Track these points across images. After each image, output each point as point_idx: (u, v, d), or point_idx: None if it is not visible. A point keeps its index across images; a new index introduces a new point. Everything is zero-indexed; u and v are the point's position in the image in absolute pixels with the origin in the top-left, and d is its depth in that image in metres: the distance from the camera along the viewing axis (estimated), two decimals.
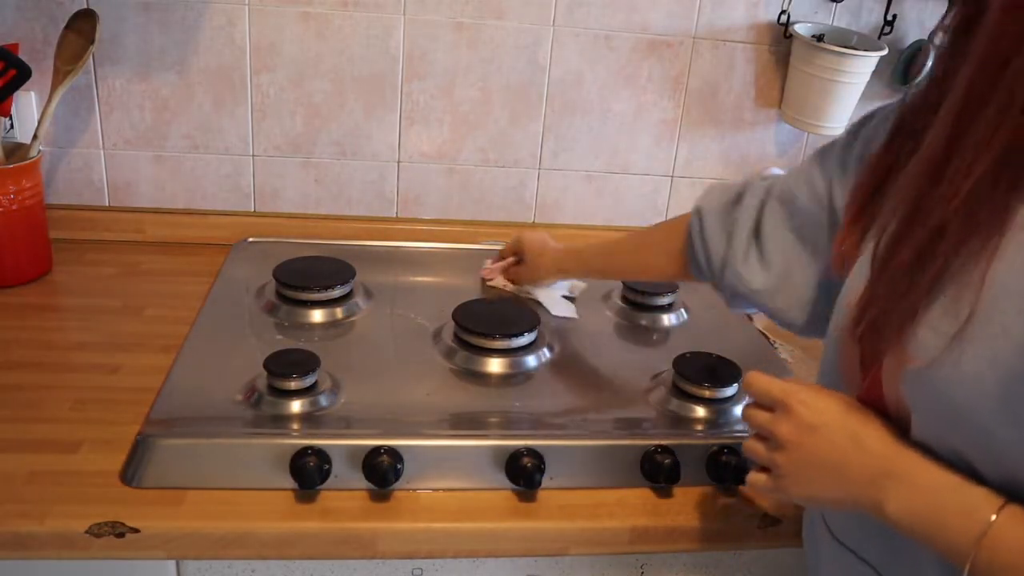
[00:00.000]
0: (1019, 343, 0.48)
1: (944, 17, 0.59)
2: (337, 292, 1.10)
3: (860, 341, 0.60)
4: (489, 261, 1.21)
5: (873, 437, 0.58)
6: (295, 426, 0.86)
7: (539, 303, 1.14)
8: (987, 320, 0.50)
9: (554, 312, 1.12)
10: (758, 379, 0.64)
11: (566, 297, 1.17)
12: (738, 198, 0.86)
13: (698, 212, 0.89)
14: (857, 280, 0.62)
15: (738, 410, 0.95)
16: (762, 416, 0.64)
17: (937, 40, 0.60)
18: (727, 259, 0.85)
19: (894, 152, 0.64)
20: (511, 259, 1.17)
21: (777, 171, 0.98)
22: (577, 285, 1.18)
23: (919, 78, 1.25)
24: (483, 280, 1.21)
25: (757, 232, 0.83)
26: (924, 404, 0.55)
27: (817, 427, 0.60)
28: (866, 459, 0.57)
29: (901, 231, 0.56)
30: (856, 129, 0.77)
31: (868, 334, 0.58)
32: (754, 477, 0.66)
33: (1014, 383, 0.48)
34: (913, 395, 0.55)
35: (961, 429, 0.52)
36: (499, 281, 1.20)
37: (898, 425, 0.58)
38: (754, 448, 0.65)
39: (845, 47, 1.22)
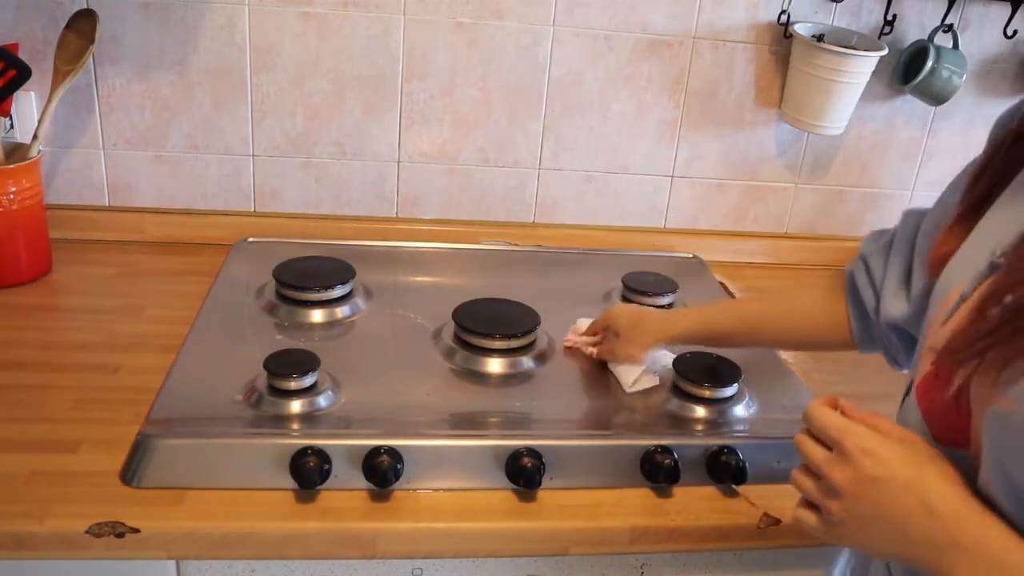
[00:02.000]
0: None
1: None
2: (337, 292, 1.10)
3: (953, 364, 0.54)
4: (572, 332, 1.08)
5: (941, 497, 0.52)
6: (295, 426, 0.86)
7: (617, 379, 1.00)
8: None
9: (629, 389, 0.98)
10: (818, 413, 0.57)
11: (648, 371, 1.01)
12: (890, 243, 0.81)
13: (863, 258, 0.83)
14: (959, 273, 0.59)
15: (739, 410, 0.95)
16: (817, 453, 0.58)
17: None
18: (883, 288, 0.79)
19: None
20: (598, 337, 1.04)
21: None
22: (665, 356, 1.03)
23: (919, 78, 1.25)
24: (566, 348, 1.06)
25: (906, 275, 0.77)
26: (1004, 448, 0.50)
27: (879, 480, 0.54)
28: (932, 523, 0.52)
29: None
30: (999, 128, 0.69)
31: (964, 363, 0.53)
32: (803, 515, 0.60)
33: None
34: (994, 436, 0.51)
35: None
36: (582, 346, 1.06)
37: (965, 461, 0.54)
38: (803, 484, 0.59)
39: (845, 47, 1.22)
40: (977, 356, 0.51)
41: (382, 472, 0.79)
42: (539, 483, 0.81)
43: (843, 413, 0.58)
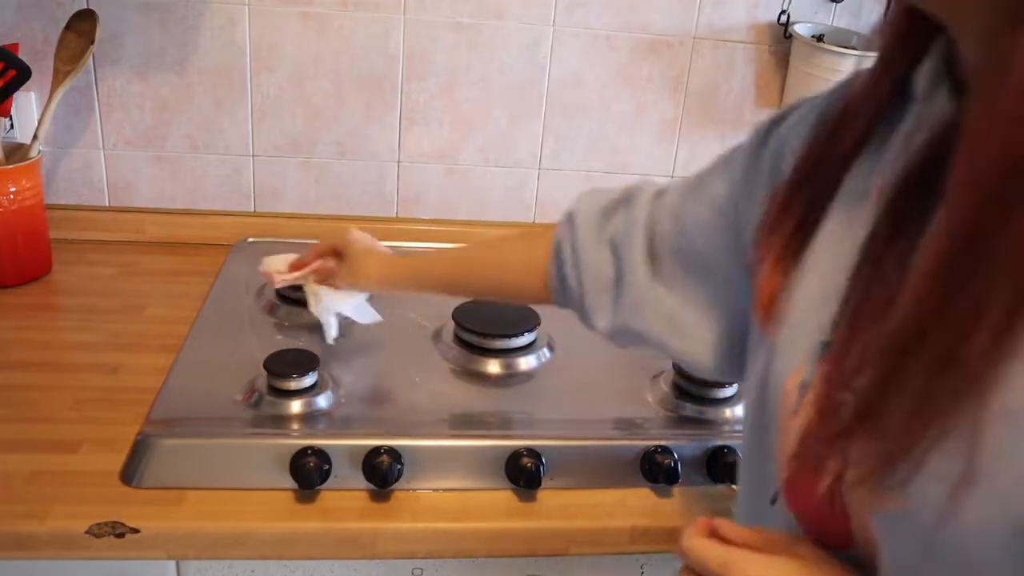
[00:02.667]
0: None
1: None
2: None
3: (812, 469, 0.47)
4: (271, 270, 0.98)
5: None
6: (295, 426, 0.86)
7: (336, 312, 0.97)
8: (998, 460, 0.39)
9: (360, 320, 0.98)
10: (696, 548, 0.50)
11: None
12: (620, 206, 0.73)
13: (570, 219, 0.75)
14: (792, 351, 0.51)
15: (739, 410, 0.95)
16: None
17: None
18: (617, 280, 0.71)
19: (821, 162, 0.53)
20: (320, 261, 0.97)
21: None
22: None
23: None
24: (268, 278, 0.98)
25: (651, 252, 0.70)
26: (903, 545, 0.45)
27: None
28: None
29: (893, 364, 0.41)
30: (765, 133, 0.63)
31: (823, 466, 0.45)
32: None
33: None
34: (889, 534, 0.45)
35: (946, 573, 0.43)
36: (289, 276, 0.97)
37: (858, 560, 0.48)
38: None
39: (845, 47, 1.22)
40: (838, 456, 0.44)
41: (382, 472, 0.79)
42: (539, 483, 0.81)
43: (721, 538, 0.50)
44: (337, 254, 0.95)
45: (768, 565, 0.47)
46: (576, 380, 1.01)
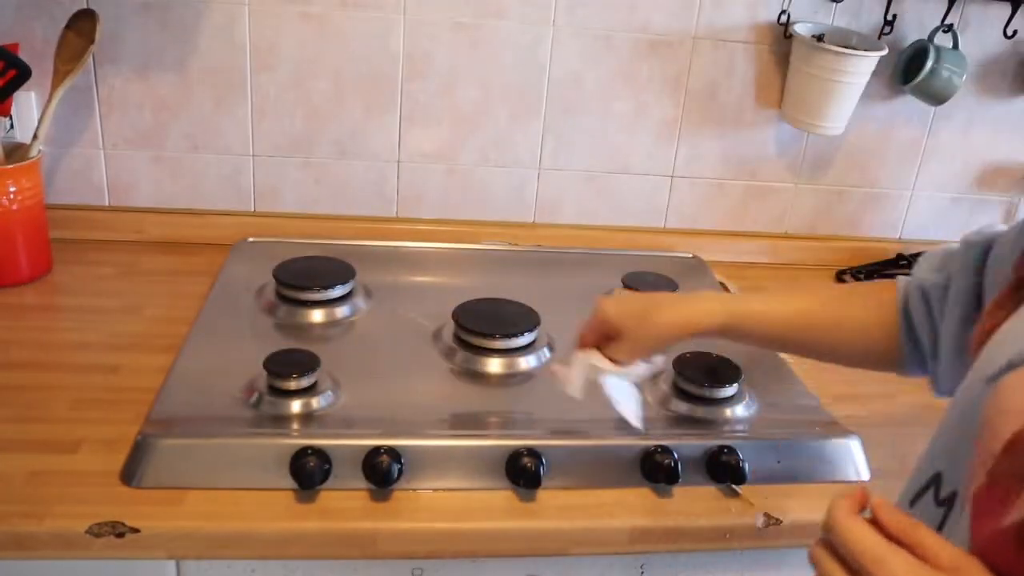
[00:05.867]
0: None
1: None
2: (337, 292, 1.10)
3: (1016, 481, 0.41)
4: (556, 363, 0.88)
5: None
6: (295, 426, 0.86)
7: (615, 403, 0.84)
8: None
9: (632, 421, 0.84)
10: (847, 527, 0.43)
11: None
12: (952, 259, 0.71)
13: (921, 288, 0.73)
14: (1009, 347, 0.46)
15: (739, 410, 0.95)
16: None
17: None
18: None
19: None
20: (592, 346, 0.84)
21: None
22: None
23: (919, 78, 1.25)
24: (555, 376, 0.87)
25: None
26: None
27: None
28: None
29: None
30: None
31: None
32: None
33: None
34: None
35: None
36: (582, 369, 0.83)
37: None
38: None
39: (845, 47, 1.22)
40: None
41: (382, 472, 0.79)
42: (539, 483, 0.81)
43: (875, 521, 0.44)
44: (607, 337, 0.82)
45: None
46: None
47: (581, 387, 0.81)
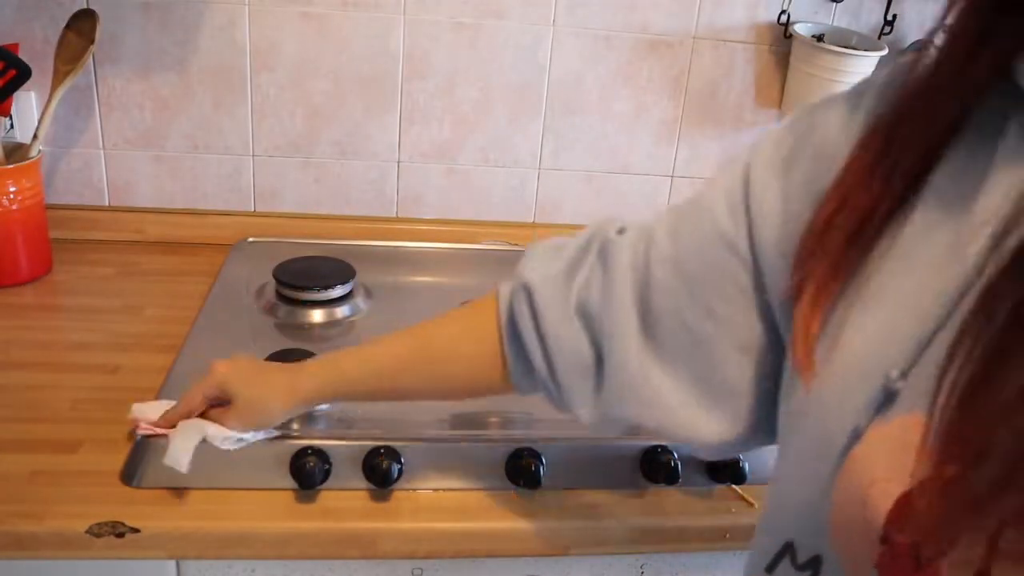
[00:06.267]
0: None
1: (943, 16, 0.44)
2: (337, 292, 1.10)
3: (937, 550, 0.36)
4: (140, 418, 0.81)
5: None
6: (295, 426, 0.85)
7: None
8: None
9: (167, 461, 0.74)
10: None
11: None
12: (585, 259, 0.61)
13: (525, 288, 0.62)
14: (847, 402, 0.40)
15: None
16: None
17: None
18: (597, 362, 0.58)
19: (888, 172, 0.41)
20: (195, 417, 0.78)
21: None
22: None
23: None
24: (134, 425, 0.81)
25: (645, 312, 0.56)
26: None
27: None
28: None
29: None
30: (797, 144, 0.50)
31: (952, 546, 0.34)
32: None
33: None
34: None
35: None
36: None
37: None
38: None
39: (845, 47, 1.22)
40: (983, 532, 0.33)
41: (382, 472, 0.79)
42: (539, 483, 0.81)
43: None
44: (219, 401, 0.77)
45: None
46: None
47: (189, 462, 0.74)
